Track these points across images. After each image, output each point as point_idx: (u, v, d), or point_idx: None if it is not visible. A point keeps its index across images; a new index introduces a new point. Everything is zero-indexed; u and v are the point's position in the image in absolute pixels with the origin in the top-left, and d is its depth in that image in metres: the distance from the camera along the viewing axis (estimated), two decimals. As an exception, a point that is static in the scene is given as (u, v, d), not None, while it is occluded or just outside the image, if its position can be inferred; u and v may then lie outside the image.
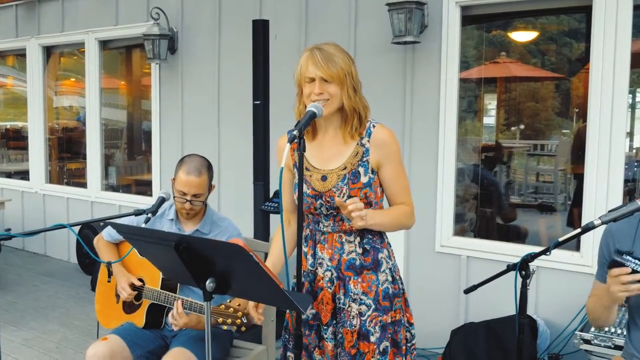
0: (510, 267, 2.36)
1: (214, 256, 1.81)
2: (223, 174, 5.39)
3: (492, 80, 8.40)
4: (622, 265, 2.00)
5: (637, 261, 1.98)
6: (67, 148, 7.58)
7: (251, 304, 2.20)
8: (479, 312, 4.12)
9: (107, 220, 2.13)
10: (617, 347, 3.11)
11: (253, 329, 3.20)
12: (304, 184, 2.25)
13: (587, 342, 3.28)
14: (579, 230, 2.05)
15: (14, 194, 7.32)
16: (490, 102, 10.12)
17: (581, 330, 3.33)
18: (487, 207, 5.77)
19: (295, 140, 1.96)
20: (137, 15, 5.88)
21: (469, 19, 4.32)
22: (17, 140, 8.25)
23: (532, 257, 2.29)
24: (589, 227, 2.03)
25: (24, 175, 7.57)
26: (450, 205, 4.28)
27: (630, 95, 8.70)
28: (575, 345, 3.40)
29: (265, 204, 4.32)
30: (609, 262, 2.06)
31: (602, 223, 2.02)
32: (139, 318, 2.95)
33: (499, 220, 5.92)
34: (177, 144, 5.69)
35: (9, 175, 7.94)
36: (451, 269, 4.27)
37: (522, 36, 7.52)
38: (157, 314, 2.93)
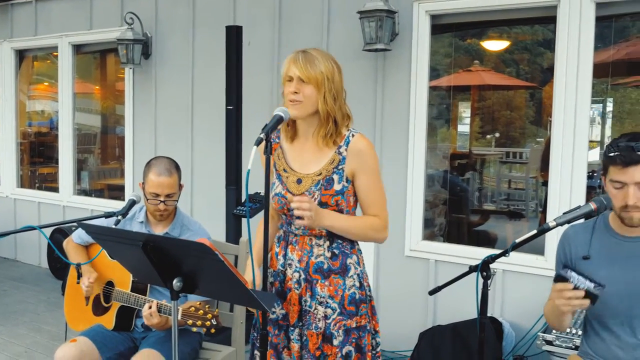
0: (472, 269, 2.41)
1: (181, 256, 1.85)
2: (196, 179, 5.41)
3: (465, 88, 8.54)
4: (566, 280, 2.07)
5: (580, 277, 2.05)
6: (39, 152, 7.52)
7: None
8: (446, 315, 4.20)
9: (76, 221, 2.15)
10: (578, 348, 3.20)
11: (222, 331, 3.26)
12: (280, 185, 2.30)
13: (549, 343, 3.37)
14: (534, 232, 2.13)
15: (-16, 198, 7.25)
16: (464, 110, 10.28)
17: (544, 332, 3.42)
18: (457, 212, 5.88)
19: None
20: (111, 19, 5.89)
21: (439, 27, 4.42)
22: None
23: (493, 258, 2.35)
24: (544, 229, 2.11)
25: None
26: (419, 210, 4.35)
27: (601, 105, 8.91)
28: (538, 347, 3.50)
29: (237, 208, 4.35)
30: (555, 275, 2.13)
31: (557, 225, 2.10)
32: (109, 320, 2.96)
33: (468, 226, 6.03)
34: (150, 149, 5.70)
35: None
36: (420, 272, 4.34)
37: (495, 45, 7.67)
38: (126, 316, 2.95)
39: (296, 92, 2.18)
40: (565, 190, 3.82)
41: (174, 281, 1.90)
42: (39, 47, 6.88)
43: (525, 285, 3.95)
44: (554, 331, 3.39)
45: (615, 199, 2.13)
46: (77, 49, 6.49)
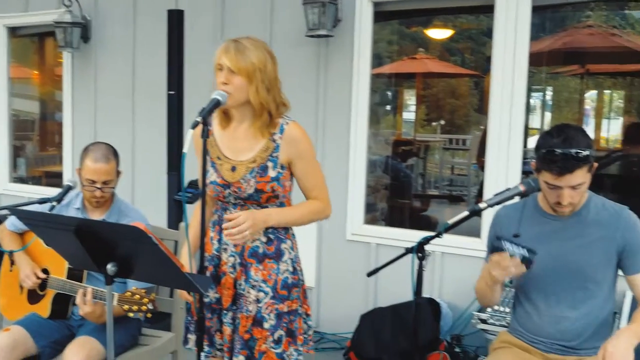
0: (408, 250, 2.47)
1: (114, 240, 1.84)
2: (137, 165, 5.34)
3: (410, 75, 8.66)
4: (501, 250, 2.16)
5: (514, 246, 2.15)
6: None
7: None
8: (387, 297, 4.27)
9: (8, 206, 2.10)
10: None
11: (164, 317, 3.24)
12: (214, 172, 2.30)
13: (484, 321, 3.49)
14: (466, 213, 2.20)
15: None
16: (409, 98, 10.41)
17: (479, 312, 3.53)
18: (399, 197, 5.98)
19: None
20: (49, 1, 5.71)
21: (384, 14, 4.46)
22: None
23: (427, 240, 2.40)
24: (475, 210, 2.18)
25: None
26: (361, 195, 4.41)
27: (541, 94, 9.15)
28: (473, 326, 3.61)
29: (178, 193, 4.32)
30: (489, 248, 2.21)
31: (487, 206, 2.18)
32: (44, 308, 2.91)
33: (410, 210, 6.14)
34: (89, 135, 5.58)
35: None
36: (361, 256, 4.41)
37: (440, 34, 7.79)
38: (62, 303, 2.89)
39: (226, 83, 2.16)
40: (502, 175, 3.93)
41: (108, 266, 1.89)
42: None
43: (462, 266, 4.06)
44: (488, 309, 3.51)
45: (549, 196, 2.21)
46: (13, 31, 6.27)
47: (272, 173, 2.25)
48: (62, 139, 5.93)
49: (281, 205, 2.32)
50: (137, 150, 5.36)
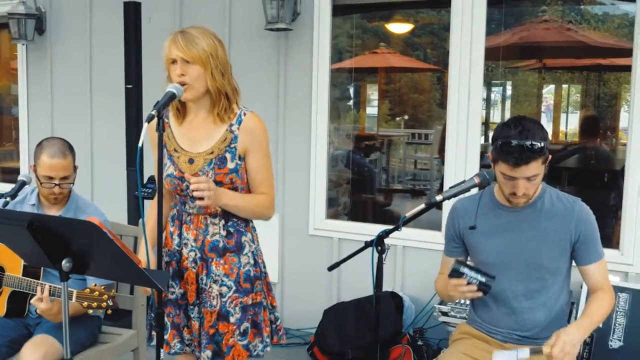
0: (368, 244, 2.49)
1: (69, 235, 1.81)
2: (96, 160, 5.25)
3: (372, 70, 8.68)
4: (460, 276, 2.20)
5: (472, 273, 2.20)
6: None
7: None
8: (350, 291, 4.29)
9: (-43, 203, 2.05)
10: (470, 317, 3.37)
11: (125, 315, 3.21)
12: (171, 165, 2.28)
13: (445, 314, 3.53)
14: (422, 206, 2.22)
15: None
16: (372, 93, 10.45)
17: (440, 304, 3.57)
18: (362, 192, 6.01)
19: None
20: (2, -8, 5.57)
21: (344, 8, 4.46)
22: None
23: (387, 233, 2.44)
24: (432, 203, 2.21)
25: None
26: (322, 189, 4.41)
27: (500, 88, 9.27)
28: (435, 318, 3.65)
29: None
30: (450, 270, 2.25)
31: (443, 199, 2.21)
32: (-1, 307, 2.85)
33: (373, 205, 6.17)
34: (46, 130, 5.46)
35: None
36: (324, 250, 4.41)
37: (401, 28, 7.81)
38: (19, 302, 2.84)
39: (183, 75, 2.15)
40: (460, 169, 3.98)
41: (63, 262, 1.86)
42: None
43: (424, 260, 4.10)
44: (449, 302, 3.55)
45: (504, 187, 2.25)
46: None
47: (230, 165, 2.24)
48: (19, 134, 5.80)
49: None
50: (96, 146, 5.27)
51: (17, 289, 2.79)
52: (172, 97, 2.09)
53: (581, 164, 5.57)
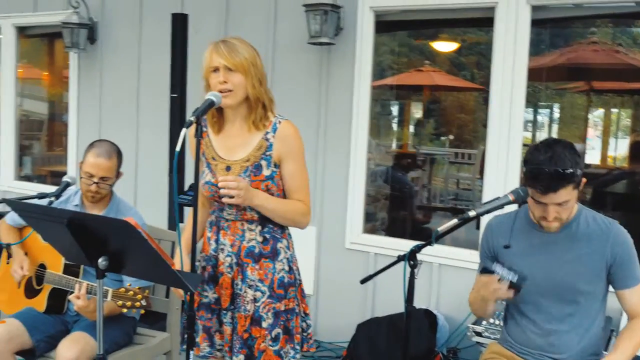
0: (400, 258, 2.48)
1: (106, 234, 1.86)
2: (140, 166, 5.37)
3: (417, 87, 8.67)
4: (491, 272, 2.17)
5: (504, 270, 2.18)
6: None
7: None
8: (384, 307, 4.27)
9: (5, 199, 2.13)
10: (504, 338, 3.32)
11: (161, 318, 3.26)
12: (209, 173, 2.33)
13: (479, 334, 3.48)
14: (455, 220, 2.21)
15: None
16: (417, 111, 10.42)
17: (474, 324, 3.53)
18: (400, 208, 5.99)
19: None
20: (57, 2, 5.76)
21: (389, 24, 4.49)
22: None
23: (419, 248, 2.43)
24: (465, 218, 2.19)
25: None
26: (360, 204, 4.42)
27: (548, 110, 9.12)
28: (468, 338, 3.60)
29: (179, 196, 4.34)
30: (481, 267, 2.23)
31: (477, 214, 2.19)
32: (40, 303, 2.94)
33: (412, 222, 6.14)
34: (94, 135, 5.60)
35: None
36: (360, 265, 4.41)
37: (446, 46, 7.79)
38: (58, 298, 2.93)
39: (225, 82, 2.20)
40: (499, 191, 3.91)
41: (100, 260, 1.91)
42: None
43: (460, 279, 4.05)
44: (483, 322, 3.50)
45: (535, 210, 2.23)
46: (22, 31, 6.34)
47: (266, 172, 2.27)
48: (67, 139, 5.98)
49: None
50: (141, 152, 5.40)
51: (57, 286, 2.87)
52: (210, 104, 2.14)
53: (629, 189, 5.45)
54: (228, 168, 2.30)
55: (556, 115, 9.21)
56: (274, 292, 2.30)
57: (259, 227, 2.31)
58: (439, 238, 2.29)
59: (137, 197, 5.34)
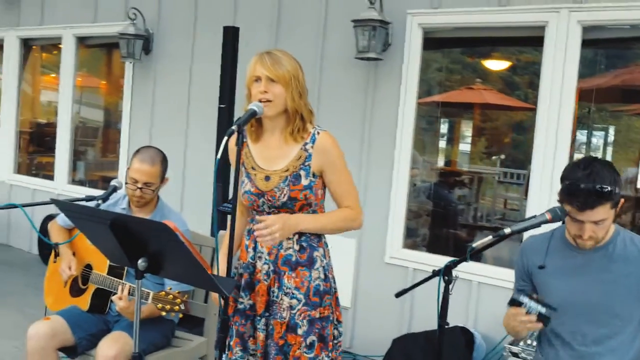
0: (435, 273, 2.49)
1: (146, 236, 1.93)
2: (188, 174, 5.50)
3: (467, 105, 8.61)
4: (519, 304, 2.16)
5: (532, 303, 2.15)
6: (41, 142, 7.63)
7: None
8: (421, 323, 4.26)
9: (53, 199, 2.23)
10: None
11: (200, 323, 3.33)
12: (249, 182, 2.39)
13: (515, 355, 3.44)
14: (490, 237, 2.21)
15: (-19, 182, 7.37)
16: (467, 129, 10.34)
17: (511, 344, 3.49)
18: (444, 225, 5.95)
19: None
20: (115, 14, 5.99)
21: (434, 41, 4.50)
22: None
23: (455, 263, 2.43)
24: (500, 235, 2.19)
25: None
26: (401, 219, 4.42)
27: (603, 132, 8.91)
28: (504, 358, 3.56)
29: (223, 204, 4.43)
30: (510, 299, 2.21)
31: (512, 232, 2.18)
32: (84, 302, 3.04)
33: (455, 239, 6.09)
34: (145, 143, 5.75)
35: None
36: (398, 279, 4.40)
37: (498, 65, 7.74)
38: (101, 298, 3.03)
39: (266, 92, 2.26)
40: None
41: (139, 261, 1.98)
42: (43, 37, 7.00)
43: (499, 298, 3.99)
44: (520, 343, 3.46)
45: (571, 228, 2.20)
46: (82, 41, 6.60)
47: (304, 182, 2.32)
48: (120, 146, 6.17)
49: (314, 213, 2.38)
50: (189, 160, 5.53)
51: (100, 287, 2.98)
52: (252, 114, 2.20)
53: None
54: (267, 178, 2.35)
55: (611, 137, 9.00)
56: (309, 299, 2.34)
57: (296, 236, 2.35)
58: (473, 253, 2.29)
59: (184, 204, 5.47)
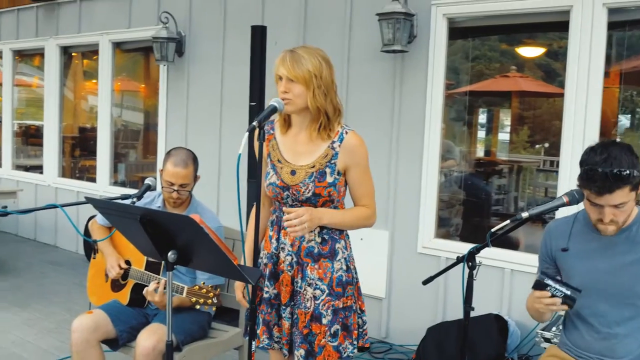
0: (459, 259, 2.54)
1: (174, 229, 2.03)
2: (223, 171, 5.63)
3: (504, 94, 8.54)
4: (544, 287, 2.20)
5: (557, 285, 2.19)
6: (84, 146, 7.89)
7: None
8: (455, 311, 4.30)
9: (87, 197, 2.35)
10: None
11: (233, 313, 3.44)
12: (274, 175, 2.47)
13: (548, 340, 3.44)
14: (508, 222, 2.24)
15: (28, 186, 7.64)
16: (506, 118, 10.24)
17: (543, 329, 3.50)
18: (478, 215, 5.94)
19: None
20: (148, 18, 6.16)
21: (459, 31, 4.52)
22: (37, 137, 8.59)
23: (478, 250, 2.47)
24: (518, 220, 2.22)
25: (41, 170, 7.91)
26: (432, 209, 4.46)
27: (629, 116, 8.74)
28: (537, 344, 3.57)
29: (257, 201, 4.53)
30: (534, 282, 2.25)
31: (530, 216, 2.21)
32: (124, 296, 3.18)
33: (489, 228, 6.06)
34: (180, 142, 5.94)
35: (26, 169, 8.30)
36: (431, 269, 4.36)
37: (531, 52, 7.65)
38: (140, 293, 3.14)
39: (286, 92, 2.33)
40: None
41: (169, 253, 2.08)
42: (82, 45, 7.23)
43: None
44: (553, 328, 3.47)
45: (591, 213, 2.22)
46: (118, 46, 6.80)
47: (329, 179, 2.38)
48: (157, 147, 6.34)
49: (335, 209, 2.45)
50: (223, 157, 5.66)
51: (139, 282, 3.11)
52: (273, 110, 2.28)
53: None
54: (293, 172, 2.42)
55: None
56: (332, 290, 2.41)
57: (318, 229, 2.42)
58: (493, 238, 2.33)
59: (220, 202, 5.60)
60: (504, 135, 9.96)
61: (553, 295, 2.19)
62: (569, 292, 2.17)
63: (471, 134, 7.87)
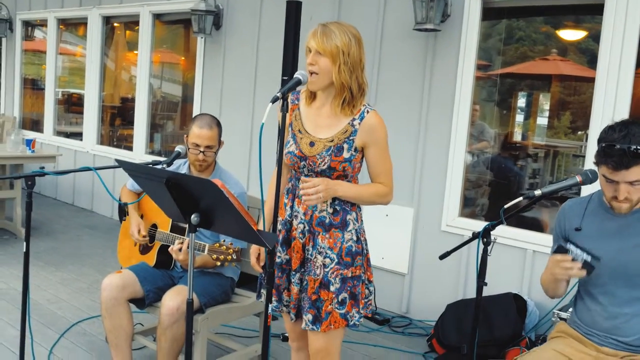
0: (475, 235, 2.59)
1: (197, 193, 2.13)
2: (254, 143, 5.73)
3: (543, 77, 8.44)
4: (565, 251, 2.24)
5: (578, 250, 2.24)
6: (124, 116, 8.10)
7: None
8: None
9: (118, 160, 2.47)
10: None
11: (254, 279, 3.55)
12: (294, 144, 2.55)
13: (564, 320, 3.46)
14: (520, 198, 2.29)
15: (68, 152, 7.89)
16: (545, 102, 10.10)
17: (560, 310, 3.53)
18: (506, 196, 5.93)
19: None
20: (188, -9, 6.26)
21: (494, 11, 4.50)
22: (79, 105, 8.83)
23: (492, 226, 2.53)
24: (529, 197, 2.27)
25: (80, 137, 8.15)
26: (458, 188, 4.50)
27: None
28: (553, 324, 3.60)
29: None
30: (555, 247, 2.29)
31: (542, 194, 2.26)
32: (151, 258, 3.32)
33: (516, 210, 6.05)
34: (215, 114, 6.05)
35: (67, 135, 8.56)
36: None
37: (573, 35, 7.53)
38: (167, 255, 3.27)
39: (312, 64, 2.39)
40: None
41: (192, 216, 2.18)
42: (123, 15, 7.39)
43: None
44: (570, 309, 3.49)
45: (606, 190, 2.26)
46: (158, 18, 6.93)
47: (346, 154, 2.45)
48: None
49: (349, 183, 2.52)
50: (255, 131, 5.76)
51: (165, 244, 3.24)
52: (297, 82, 2.35)
53: None
54: (312, 144, 2.50)
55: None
56: (342, 259, 2.48)
57: (331, 199, 2.49)
58: (506, 215, 2.39)
59: (250, 175, 5.71)
60: (542, 120, 9.84)
61: (574, 260, 2.23)
62: (589, 259, 2.22)
63: (508, 117, 7.81)
